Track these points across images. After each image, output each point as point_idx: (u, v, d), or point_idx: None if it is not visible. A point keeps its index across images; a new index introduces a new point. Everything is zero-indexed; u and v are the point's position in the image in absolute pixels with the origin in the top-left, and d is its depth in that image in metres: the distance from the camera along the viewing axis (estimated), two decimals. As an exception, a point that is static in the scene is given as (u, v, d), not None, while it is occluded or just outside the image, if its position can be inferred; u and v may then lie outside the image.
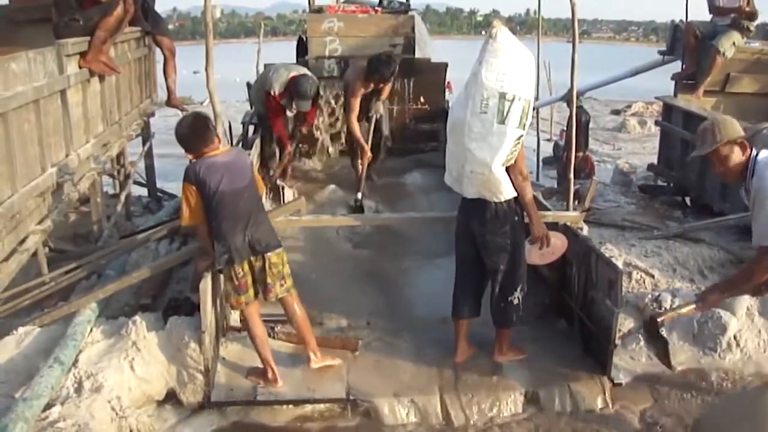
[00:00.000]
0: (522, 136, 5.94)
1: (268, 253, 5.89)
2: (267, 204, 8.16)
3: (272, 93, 9.87)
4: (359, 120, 10.17)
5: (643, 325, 6.72)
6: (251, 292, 5.96)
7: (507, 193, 6.04)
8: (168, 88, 11.58)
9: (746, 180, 5.08)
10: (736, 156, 5.10)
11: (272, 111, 10.09)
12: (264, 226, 5.95)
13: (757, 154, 5.06)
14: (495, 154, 5.86)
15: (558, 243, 6.53)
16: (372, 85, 9.97)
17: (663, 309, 6.25)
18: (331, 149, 12.18)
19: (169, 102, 11.83)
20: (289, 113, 10.20)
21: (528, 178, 6.24)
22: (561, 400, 6.04)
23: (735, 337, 6.63)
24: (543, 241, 6.33)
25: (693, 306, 5.45)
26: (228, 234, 5.74)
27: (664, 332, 6.46)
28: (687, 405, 6.13)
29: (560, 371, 6.24)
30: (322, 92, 11.03)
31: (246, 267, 5.85)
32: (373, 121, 10.31)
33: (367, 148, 10.19)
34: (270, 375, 5.99)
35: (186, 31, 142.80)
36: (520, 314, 6.45)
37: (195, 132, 5.88)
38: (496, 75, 5.82)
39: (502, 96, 5.80)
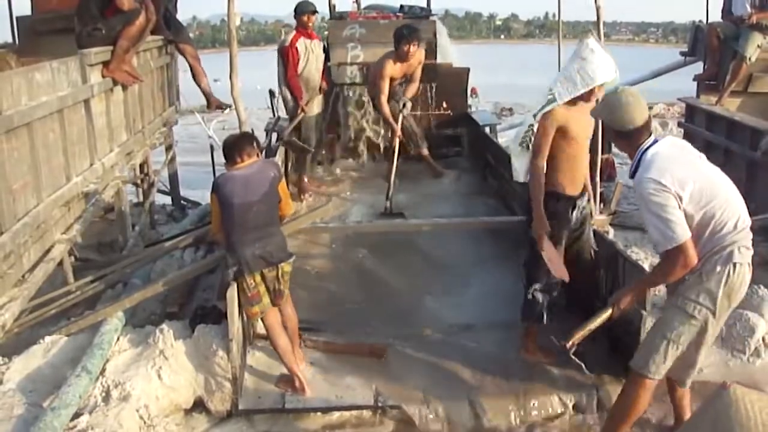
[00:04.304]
0: (533, 125, 6.23)
1: (282, 263, 5.92)
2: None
3: (287, 44, 10.55)
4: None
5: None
6: (266, 300, 5.95)
7: (515, 174, 6.50)
8: (204, 93, 11.62)
9: (633, 169, 4.89)
10: (623, 144, 4.98)
11: (291, 65, 10.56)
12: (276, 238, 5.96)
13: (649, 147, 4.82)
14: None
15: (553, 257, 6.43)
16: (401, 65, 10.35)
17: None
18: (361, 154, 12.24)
19: (210, 106, 11.91)
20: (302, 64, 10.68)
21: (531, 173, 6.28)
22: (589, 403, 5.99)
23: (764, 339, 6.54)
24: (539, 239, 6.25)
25: (606, 314, 5.21)
26: (237, 246, 5.77)
27: (574, 356, 5.51)
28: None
29: (588, 374, 6.19)
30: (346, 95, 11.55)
31: (258, 278, 5.84)
32: (401, 107, 10.52)
33: (398, 128, 10.37)
34: (297, 384, 5.97)
35: (206, 40, 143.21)
36: (536, 312, 6.44)
37: (233, 145, 6.04)
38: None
39: (550, 91, 6.17)
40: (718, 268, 4.70)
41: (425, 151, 11.11)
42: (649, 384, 5.01)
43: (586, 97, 6.12)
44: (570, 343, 5.28)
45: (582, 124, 6.27)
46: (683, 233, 4.60)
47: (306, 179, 10.89)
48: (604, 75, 6.13)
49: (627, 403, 5.13)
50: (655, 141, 4.84)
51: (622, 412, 5.17)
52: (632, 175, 4.85)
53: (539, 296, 6.40)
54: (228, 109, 11.94)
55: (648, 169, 4.68)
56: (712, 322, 4.84)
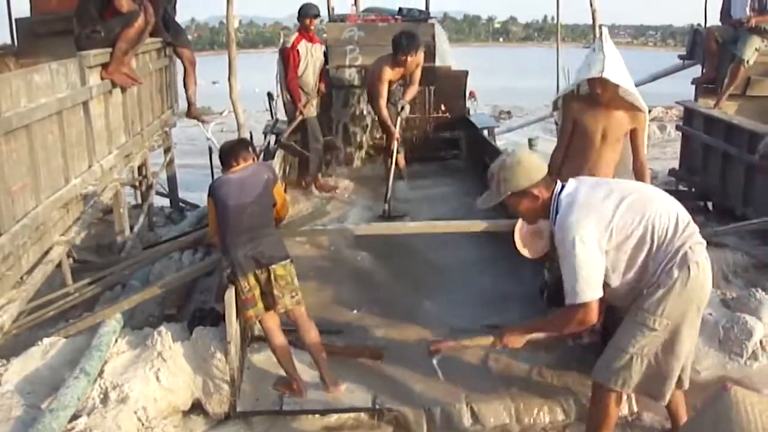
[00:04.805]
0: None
1: (273, 266, 5.82)
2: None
3: (289, 45, 10.63)
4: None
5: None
6: (260, 305, 5.89)
7: None
8: (188, 99, 11.65)
9: (550, 219, 4.82)
10: (530, 202, 4.83)
11: (292, 67, 10.63)
12: (270, 239, 5.89)
13: (561, 190, 4.77)
14: None
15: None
16: (398, 69, 10.34)
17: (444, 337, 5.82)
18: (356, 158, 12.26)
19: (189, 113, 11.93)
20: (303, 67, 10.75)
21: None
22: (586, 407, 5.99)
23: (761, 343, 6.54)
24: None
25: (487, 340, 5.19)
26: (230, 248, 5.74)
27: (436, 363, 5.44)
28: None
29: (584, 379, 6.19)
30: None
31: (252, 281, 5.80)
32: (399, 109, 10.42)
33: (396, 131, 10.35)
34: (295, 386, 5.94)
35: (204, 42, 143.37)
36: (543, 291, 6.84)
37: (229, 150, 6.11)
38: None
39: None
40: (675, 273, 4.59)
41: (401, 159, 11.14)
42: (616, 395, 4.96)
43: (593, 94, 6.40)
44: (434, 348, 5.31)
45: (597, 122, 6.52)
46: (592, 294, 4.55)
47: (320, 179, 10.96)
48: (588, 73, 6.38)
49: (599, 415, 5.08)
50: (563, 186, 4.81)
51: (596, 424, 5.12)
52: (553, 222, 4.77)
53: (545, 272, 6.81)
54: (205, 123, 12.02)
55: (570, 212, 4.62)
56: (681, 330, 4.74)
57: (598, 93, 6.39)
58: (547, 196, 4.79)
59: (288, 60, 10.49)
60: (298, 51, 10.50)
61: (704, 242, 4.75)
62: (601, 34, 6.48)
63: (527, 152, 5.03)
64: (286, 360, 5.96)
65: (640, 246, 4.63)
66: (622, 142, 6.66)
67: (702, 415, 4.78)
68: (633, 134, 6.60)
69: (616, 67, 6.25)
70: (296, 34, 10.71)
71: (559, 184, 4.82)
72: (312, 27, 10.69)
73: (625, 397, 5.70)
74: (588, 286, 4.51)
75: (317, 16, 10.76)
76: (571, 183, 4.80)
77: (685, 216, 4.73)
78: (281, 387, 6.03)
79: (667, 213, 4.67)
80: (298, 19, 10.73)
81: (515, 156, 4.89)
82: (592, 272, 4.52)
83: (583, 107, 6.63)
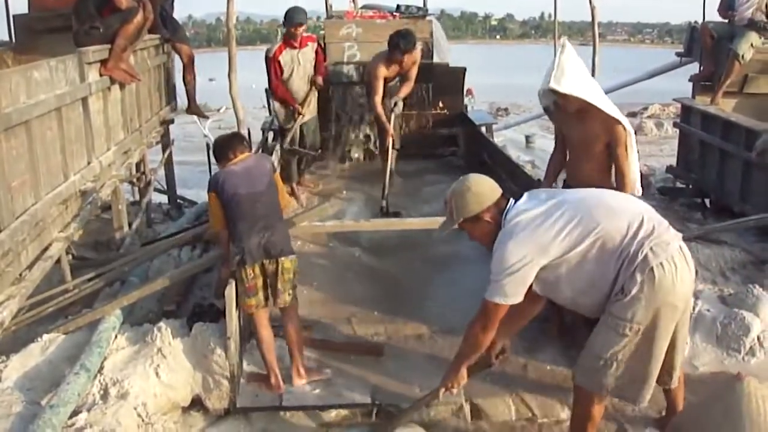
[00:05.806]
0: None
1: (282, 258, 5.91)
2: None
3: (270, 55, 10.36)
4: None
5: None
6: (261, 295, 5.95)
7: None
8: (188, 95, 11.65)
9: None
10: (482, 227, 4.89)
11: (275, 78, 10.43)
12: (281, 231, 6.00)
13: (510, 210, 4.79)
14: None
15: None
16: (394, 66, 10.26)
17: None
18: (354, 154, 12.25)
19: (189, 109, 11.93)
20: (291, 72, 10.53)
21: None
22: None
23: (759, 339, 6.55)
24: None
25: (435, 393, 5.39)
26: (243, 235, 5.80)
27: None
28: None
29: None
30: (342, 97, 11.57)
31: (257, 270, 5.86)
32: (392, 106, 10.38)
33: (390, 128, 10.29)
34: (273, 381, 5.98)
35: (201, 39, 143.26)
36: None
37: (225, 143, 6.12)
38: None
39: None
40: (639, 278, 4.52)
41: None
42: (597, 397, 4.94)
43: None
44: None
45: (574, 130, 6.47)
46: (505, 298, 4.70)
47: (295, 185, 10.87)
48: (541, 84, 6.34)
49: (581, 415, 5.07)
50: (514, 203, 4.85)
51: (580, 424, 5.10)
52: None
53: None
54: (205, 119, 11.94)
55: (509, 237, 4.67)
56: (658, 333, 4.67)
57: (561, 103, 6.31)
58: (499, 219, 4.82)
59: (271, 70, 10.36)
60: (279, 62, 10.30)
61: (671, 241, 4.63)
62: (563, 45, 6.35)
63: (478, 177, 5.02)
64: (271, 353, 6.02)
65: (590, 255, 4.62)
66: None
67: (713, 401, 4.80)
68: (610, 149, 6.30)
69: (569, 76, 6.04)
70: (279, 43, 10.45)
71: (512, 201, 4.87)
72: (297, 34, 10.42)
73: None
74: (510, 293, 4.67)
75: (302, 24, 10.46)
76: (519, 203, 4.84)
77: (639, 220, 4.64)
78: (253, 382, 6.07)
79: (622, 219, 4.63)
80: (283, 25, 10.53)
81: (465, 182, 4.95)
82: (519, 283, 4.65)
83: (561, 115, 6.51)
